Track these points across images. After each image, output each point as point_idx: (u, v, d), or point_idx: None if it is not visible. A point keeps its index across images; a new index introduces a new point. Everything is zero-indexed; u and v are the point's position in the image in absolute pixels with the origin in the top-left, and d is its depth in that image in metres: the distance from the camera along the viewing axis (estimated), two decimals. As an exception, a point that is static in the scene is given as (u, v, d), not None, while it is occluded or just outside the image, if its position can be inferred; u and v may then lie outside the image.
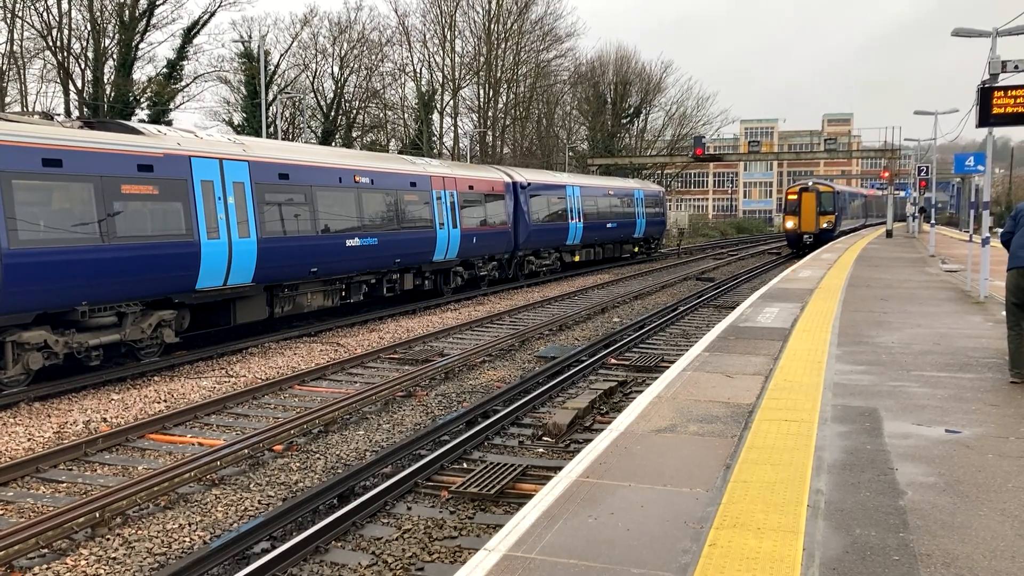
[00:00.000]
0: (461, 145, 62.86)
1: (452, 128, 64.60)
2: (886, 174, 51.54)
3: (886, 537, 4.68)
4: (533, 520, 4.99)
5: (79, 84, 44.36)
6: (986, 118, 13.20)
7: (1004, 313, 9.19)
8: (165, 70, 47.03)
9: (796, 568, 4.29)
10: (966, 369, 9.38)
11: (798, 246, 41.71)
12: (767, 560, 4.39)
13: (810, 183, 43.26)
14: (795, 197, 42.42)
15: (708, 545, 4.59)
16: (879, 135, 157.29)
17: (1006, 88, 13.04)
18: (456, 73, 62.60)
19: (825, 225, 41.35)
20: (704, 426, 7.04)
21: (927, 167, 42.78)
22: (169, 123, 43.37)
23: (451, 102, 63.28)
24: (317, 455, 9.46)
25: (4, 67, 42.36)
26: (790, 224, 42.39)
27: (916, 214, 52.89)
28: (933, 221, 36.96)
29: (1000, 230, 9.61)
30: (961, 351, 10.51)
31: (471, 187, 24.54)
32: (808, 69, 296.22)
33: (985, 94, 13.10)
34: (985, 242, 16.19)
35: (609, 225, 35.63)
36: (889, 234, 46.28)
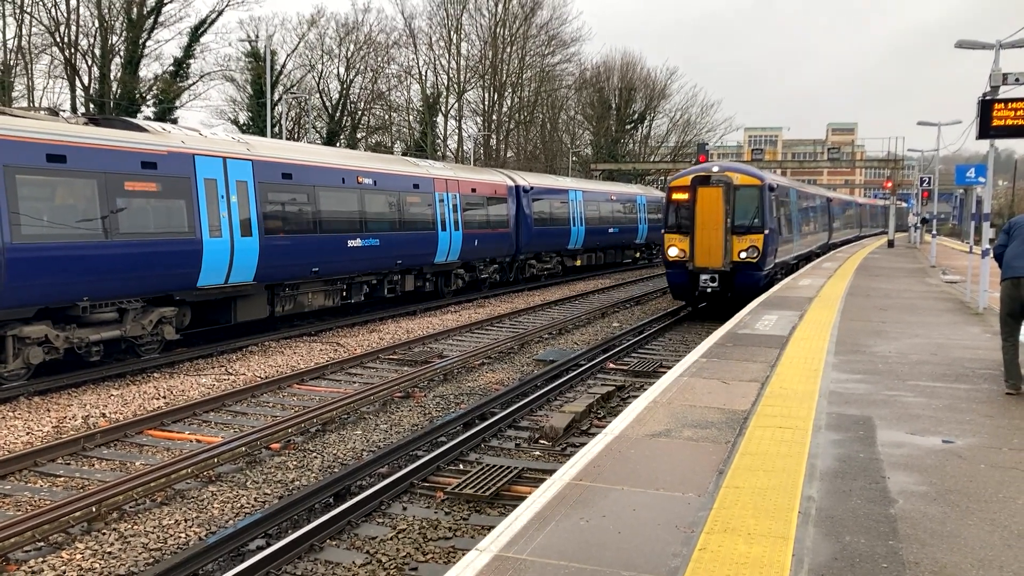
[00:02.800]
0: (465, 148, 63.02)
1: (456, 131, 64.88)
2: (889, 184, 51.68)
3: (875, 545, 4.71)
4: (525, 521, 5.02)
5: (86, 81, 44.57)
6: (986, 130, 13.25)
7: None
8: (172, 68, 47.26)
9: (785, 573, 4.32)
10: (962, 380, 9.41)
11: (690, 297, 20.91)
12: (756, 565, 4.42)
13: (715, 168, 20.76)
14: (685, 196, 20.20)
15: (698, 549, 4.63)
16: (883, 145, 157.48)
17: (1007, 100, 13.10)
18: (461, 76, 62.82)
19: (744, 255, 19.71)
20: (698, 431, 7.08)
21: (930, 178, 42.70)
22: (175, 121, 43.48)
23: (456, 105, 63.52)
24: (314, 454, 9.49)
25: (11, 62, 42.52)
26: (673, 252, 20.27)
27: (918, 224, 52.95)
28: (935, 232, 37.00)
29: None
30: (958, 362, 10.54)
31: (474, 190, 24.59)
32: (828, 76, 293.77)
33: (986, 106, 13.15)
34: (985, 254, 16.22)
35: (611, 230, 35.67)
36: (891, 244, 46.41)
